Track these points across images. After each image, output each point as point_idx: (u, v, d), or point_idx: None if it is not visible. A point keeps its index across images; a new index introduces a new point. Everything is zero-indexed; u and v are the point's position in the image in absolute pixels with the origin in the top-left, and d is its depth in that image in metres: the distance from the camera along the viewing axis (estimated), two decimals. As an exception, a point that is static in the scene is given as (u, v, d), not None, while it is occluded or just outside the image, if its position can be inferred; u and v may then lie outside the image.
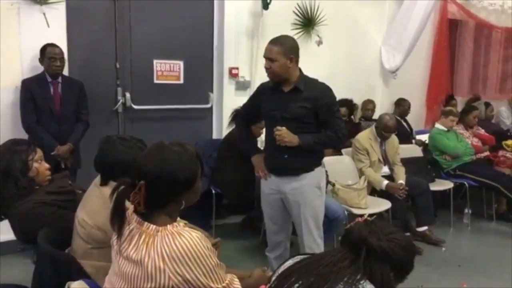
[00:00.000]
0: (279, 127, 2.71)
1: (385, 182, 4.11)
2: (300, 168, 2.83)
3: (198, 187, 1.53)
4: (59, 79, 3.63)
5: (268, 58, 2.71)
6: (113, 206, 1.44)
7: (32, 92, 3.52)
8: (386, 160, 4.35)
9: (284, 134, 2.69)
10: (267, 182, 2.96)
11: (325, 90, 2.79)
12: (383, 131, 4.25)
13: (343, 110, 4.86)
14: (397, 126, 4.46)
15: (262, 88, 2.95)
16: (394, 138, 4.45)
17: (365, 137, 4.32)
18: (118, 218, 1.45)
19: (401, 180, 4.16)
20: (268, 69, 2.74)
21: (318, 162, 2.92)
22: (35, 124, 3.53)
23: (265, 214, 3.06)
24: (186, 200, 1.52)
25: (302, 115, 2.74)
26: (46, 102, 3.57)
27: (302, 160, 2.81)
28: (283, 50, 2.69)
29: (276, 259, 3.02)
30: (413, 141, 5.41)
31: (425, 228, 4.24)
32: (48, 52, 3.53)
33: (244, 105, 3.15)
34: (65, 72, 3.79)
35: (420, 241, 4.13)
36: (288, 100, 2.76)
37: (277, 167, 2.87)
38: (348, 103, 5.18)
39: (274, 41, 2.74)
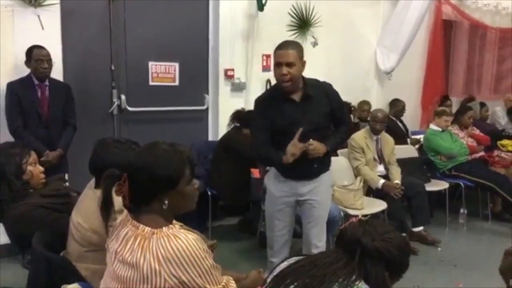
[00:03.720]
0: (310, 142, 2.64)
1: (382, 181, 4.13)
2: (322, 171, 2.84)
3: (184, 190, 1.49)
4: (46, 82, 3.54)
5: (286, 63, 2.56)
6: (102, 195, 1.50)
7: (18, 95, 3.42)
8: (381, 159, 4.37)
9: (318, 147, 2.65)
10: (278, 185, 2.87)
11: (331, 90, 2.81)
12: (372, 123, 4.32)
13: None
14: (386, 119, 4.47)
15: (264, 103, 2.77)
16: (389, 139, 4.48)
17: (361, 136, 4.35)
18: (105, 206, 1.51)
19: (397, 180, 4.17)
20: (285, 76, 2.57)
21: (331, 162, 2.95)
22: (22, 128, 3.43)
23: (272, 216, 2.93)
24: (171, 200, 1.46)
25: (325, 121, 2.75)
26: (33, 106, 3.47)
27: (325, 163, 2.84)
28: (299, 54, 2.60)
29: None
30: (408, 140, 5.43)
31: (420, 228, 4.25)
32: (35, 54, 3.44)
33: (258, 133, 2.76)
34: (60, 74, 3.78)
35: (416, 241, 4.14)
36: (305, 110, 2.68)
37: (303, 175, 2.80)
38: (346, 106, 5.17)
39: (288, 45, 2.63)
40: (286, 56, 2.57)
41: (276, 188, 2.89)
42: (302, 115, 2.67)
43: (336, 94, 2.81)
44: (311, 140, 2.65)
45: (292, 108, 2.68)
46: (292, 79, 2.59)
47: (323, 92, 2.73)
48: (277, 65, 2.61)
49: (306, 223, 2.93)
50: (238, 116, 4.09)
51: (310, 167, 2.76)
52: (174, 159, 1.47)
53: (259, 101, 2.83)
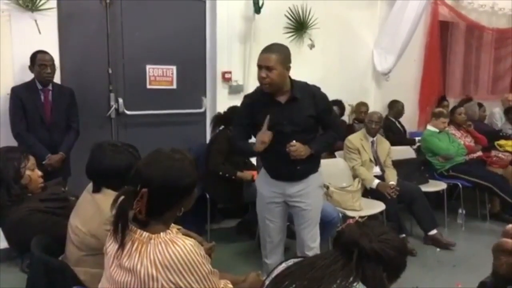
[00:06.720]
0: (292, 143, 2.65)
1: (376, 181, 4.15)
2: (309, 172, 2.85)
3: (195, 192, 1.55)
4: (50, 87, 3.58)
5: (266, 66, 2.57)
6: (116, 216, 1.42)
7: (22, 100, 3.48)
8: (377, 161, 4.38)
9: (300, 148, 2.66)
10: (267, 186, 2.90)
11: (319, 93, 2.78)
12: (368, 123, 4.36)
13: (335, 109, 4.89)
14: (382, 121, 4.50)
15: (251, 101, 2.81)
16: (385, 141, 4.51)
17: (357, 137, 4.38)
18: (121, 228, 1.43)
19: (393, 182, 4.17)
20: (264, 79, 2.59)
21: (319, 163, 2.95)
22: (25, 132, 3.49)
23: (263, 217, 2.97)
24: (185, 205, 1.53)
25: (310, 124, 2.74)
26: (36, 110, 3.52)
27: (311, 165, 2.84)
28: (281, 59, 2.59)
29: (275, 264, 2.97)
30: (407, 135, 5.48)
31: (435, 231, 4.23)
32: (38, 59, 3.48)
33: (237, 128, 2.93)
34: (57, 78, 3.78)
35: (431, 245, 4.18)
36: (289, 111, 2.69)
37: (288, 176, 2.83)
38: (339, 103, 5.20)
39: (271, 49, 2.63)
40: (267, 60, 2.58)
41: (265, 189, 2.93)
42: (286, 117, 2.69)
43: (324, 97, 2.80)
44: (293, 141, 2.66)
45: (277, 110, 2.69)
46: (271, 83, 2.60)
47: (310, 95, 2.73)
48: (259, 67, 2.64)
49: (298, 225, 2.93)
50: (220, 120, 4.09)
51: (294, 169, 2.76)
52: (189, 167, 1.51)
53: (247, 98, 2.89)
